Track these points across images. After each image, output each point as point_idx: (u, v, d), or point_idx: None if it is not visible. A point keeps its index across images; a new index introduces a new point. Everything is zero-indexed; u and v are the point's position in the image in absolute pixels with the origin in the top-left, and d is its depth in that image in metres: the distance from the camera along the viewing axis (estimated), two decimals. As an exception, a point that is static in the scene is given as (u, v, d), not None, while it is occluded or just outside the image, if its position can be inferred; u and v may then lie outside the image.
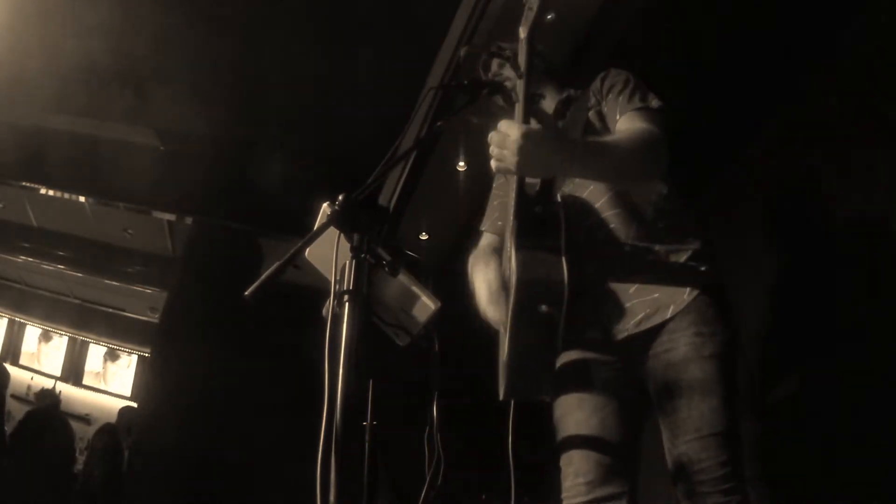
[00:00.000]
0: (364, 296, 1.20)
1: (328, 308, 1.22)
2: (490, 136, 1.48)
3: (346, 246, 1.25)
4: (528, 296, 1.53)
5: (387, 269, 1.30)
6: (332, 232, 1.26)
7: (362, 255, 1.23)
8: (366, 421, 2.19)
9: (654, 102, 1.74)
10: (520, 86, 1.60)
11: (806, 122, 2.84)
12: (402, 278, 1.48)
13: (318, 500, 1.03)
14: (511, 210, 1.65)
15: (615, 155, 1.61)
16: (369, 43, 3.50)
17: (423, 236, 4.66)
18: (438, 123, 1.64)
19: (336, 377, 1.12)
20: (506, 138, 1.45)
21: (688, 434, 1.55)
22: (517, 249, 1.57)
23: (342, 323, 1.17)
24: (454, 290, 1.90)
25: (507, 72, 1.95)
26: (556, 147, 1.51)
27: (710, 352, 1.58)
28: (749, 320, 2.89)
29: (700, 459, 1.52)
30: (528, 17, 1.59)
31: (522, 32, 1.62)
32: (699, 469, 1.53)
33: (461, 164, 3.91)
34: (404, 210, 4.22)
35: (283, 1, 3.44)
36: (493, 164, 1.50)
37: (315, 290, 1.69)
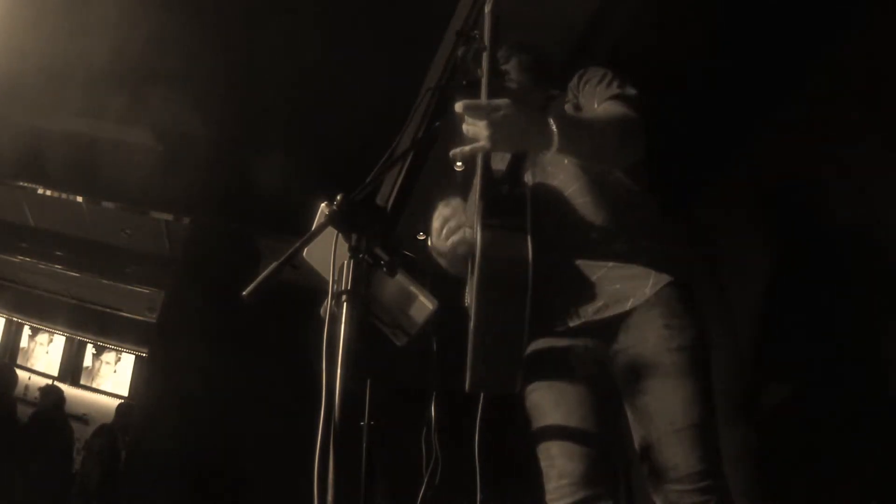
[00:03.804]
0: (362, 296, 1.20)
1: (326, 308, 1.22)
2: (463, 115, 1.45)
3: (343, 246, 1.25)
4: (492, 275, 1.50)
5: (384, 269, 1.30)
6: (330, 232, 1.26)
7: (360, 255, 1.23)
8: (364, 421, 2.20)
9: (631, 90, 1.73)
10: (485, 59, 1.59)
11: (805, 121, 2.84)
12: (400, 278, 1.47)
13: (315, 500, 1.03)
14: (476, 191, 1.63)
15: (590, 129, 1.61)
16: (367, 43, 3.50)
17: (421, 236, 4.66)
18: (436, 124, 1.64)
19: (334, 377, 1.12)
20: (477, 114, 1.43)
21: (660, 428, 1.50)
22: (482, 228, 1.54)
23: (340, 323, 1.17)
24: (452, 290, 1.90)
25: (510, 66, 1.96)
26: (528, 117, 1.49)
27: (678, 344, 1.55)
28: (746, 318, 2.90)
29: (674, 454, 1.47)
30: None
31: (487, 6, 1.62)
32: (673, 465, 1.47)
33: (459, 164, 3.90)
34: (402, 210, 4.22)
35: (281, 1, 3.44)
36: (467, 147, 1.47)
37: (313, 291, 1.69)
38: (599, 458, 1.61)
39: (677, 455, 1.47)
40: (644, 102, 1.72)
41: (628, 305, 1.61)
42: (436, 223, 1.83)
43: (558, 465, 1.62)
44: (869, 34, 2.54)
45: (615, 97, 1.72)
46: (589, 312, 1.65)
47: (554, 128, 1.47)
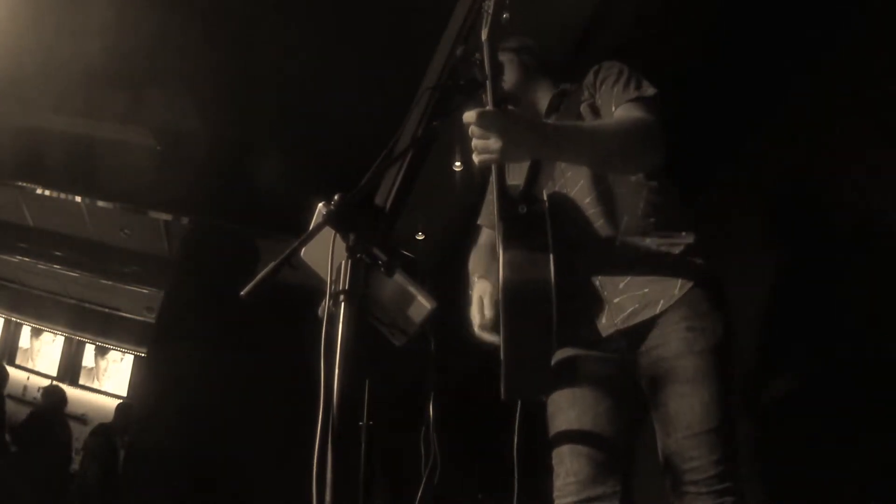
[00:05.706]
0: (360, 296, 1.20)
1: (324, 308, 1.22)
2: (470, 129, 1.45)
3: (341, 246, 1.24)
4: (516, 296, 1.52)
5: (382, 268, 1.29)
6: (328, 232, 1.26)
7: (358, 255, 1.23)
8: (362, 421, 2.19)
9: (649, 91, 1.72)
10: (487, 87, 1.61)
11: (805, 121, 2.84)
12: (398, 278, 1.47)
13: (314, 500, 1.03)
14: (495, 212, 1.65)
15: (597, 138, 1.61)
16: (366, 42, 3.50)
17: (420, 236, 4.67)
18: (434, 123, 1.63)
19: (332, 377, 1.11)
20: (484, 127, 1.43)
21: (678, 431, 1.53)
22: (504, 250, 1.56)
23: (338, 323, 1.16)
24: (450, 289, 1.89)
25: (503, 62, 1.96)
26: (529, 127, 1.51)
27: (701, 347, 1.57)
28: (746, 319, 2.90)
29: (691, 458, 1.50)
30: (486, 19, 1.65)
31: (483, 35, 1.64)
32: (690, 468, 1.50)
33: (457, 163, 3.92)
34: (400, 210, 4.22)
35: (281, 1, 3.44)
36: (475, 157, 1.47)
37: (311, 290, 1.68)
38: (610, 458, 1.64)
39: (694, 459, 1.50)
40: (662, 101, 1.71)
41: (658, 309, 1.62)
42: (473, 310, 1.80)
43: (566, 463, 1.66)
44: (869, 34, 2.54)
45: (632, 101, 1.70)
46: (619, 321, 1.66)
47: (551, 138, 1.50)
